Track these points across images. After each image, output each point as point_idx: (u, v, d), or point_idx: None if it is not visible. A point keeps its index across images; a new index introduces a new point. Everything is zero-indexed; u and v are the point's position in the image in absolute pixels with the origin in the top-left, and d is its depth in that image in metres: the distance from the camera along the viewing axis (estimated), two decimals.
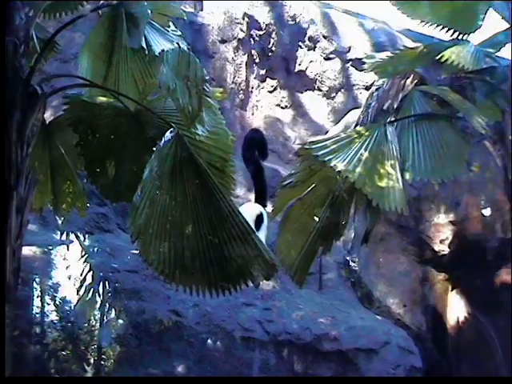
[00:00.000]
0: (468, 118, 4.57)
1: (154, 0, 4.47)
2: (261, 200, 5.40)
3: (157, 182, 3.57)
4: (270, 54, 10.33)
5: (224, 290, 3.59)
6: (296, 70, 10.48)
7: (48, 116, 4.08)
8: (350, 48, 10.50)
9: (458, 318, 7.48)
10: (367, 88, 9.67)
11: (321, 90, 10.49)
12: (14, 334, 3.34)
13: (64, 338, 6.07)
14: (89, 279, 6.33)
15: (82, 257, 6.56)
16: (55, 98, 3.95)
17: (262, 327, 6.49)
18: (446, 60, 4.51)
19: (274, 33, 10.29)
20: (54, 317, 6.15)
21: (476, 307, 7.41)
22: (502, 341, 7.11)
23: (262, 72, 10.33)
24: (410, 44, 9.03)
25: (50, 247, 6.57)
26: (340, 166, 4.19)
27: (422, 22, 4.97)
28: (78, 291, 6.26)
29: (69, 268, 6.45)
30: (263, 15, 10.25)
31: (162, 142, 3.63)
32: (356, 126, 5.13)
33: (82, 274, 6.36)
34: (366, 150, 4.31)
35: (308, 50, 10.52)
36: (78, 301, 6.25)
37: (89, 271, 6.38)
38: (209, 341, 6.30)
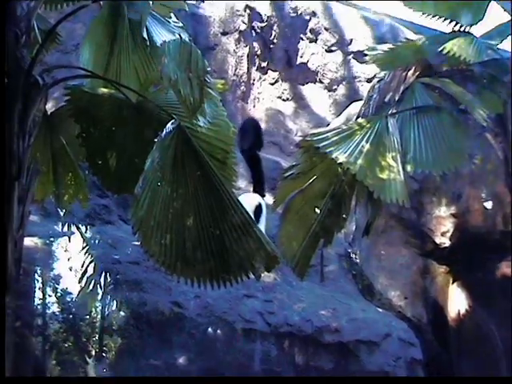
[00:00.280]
0: (470, 111, 4.57)
1: None
2: (259, 190, 5.38)
3: (158, 174, 3.56)
4: (271, 46, 10.29)
5: (225, 282, 3.58)
6: (298, 63, 10.44)
7: (50, 107, 4.08)
8: (351, 40, 10.46)
9: (459, 311, 7.48)
10: (369, 80, 9.65)
11: (322, 83, 10.46)
12: (16, 325, 3.35)
13: (65, 329, 6.08)
14: (90, 270, 6.32)
15: (84, 248, 6.55)
16: (57, 89, 3.94)
17: (263, 319, 6.50)
18: (448, 52, 4.52)
19: (275, 25, 10.25)
20: (55, 308, 6.16)
21: (477, 300, 7.42)
22: (502, 334, 7.13)
23: (264, 64, 10.30)
24: (412, 36, 9.07)
25: (52, 238, 6.56)
26: (341, 158, 4.18)
27: (423, 14, 4.97)
28: (79, 282, 6.26)
29: (70, 259, 6.46)
30: (265, 7, 10.20)
31: (164, 133, 3.62)
32: (357, 118, 5.12)
33: (83, 266, 6.35)
34: (367, 142, 4.31)
35: (310, 43, 10.48)
36: (79, 292, 6.24)
37: (90, 262, 6.37)
38: (210, 331, 6.31)
